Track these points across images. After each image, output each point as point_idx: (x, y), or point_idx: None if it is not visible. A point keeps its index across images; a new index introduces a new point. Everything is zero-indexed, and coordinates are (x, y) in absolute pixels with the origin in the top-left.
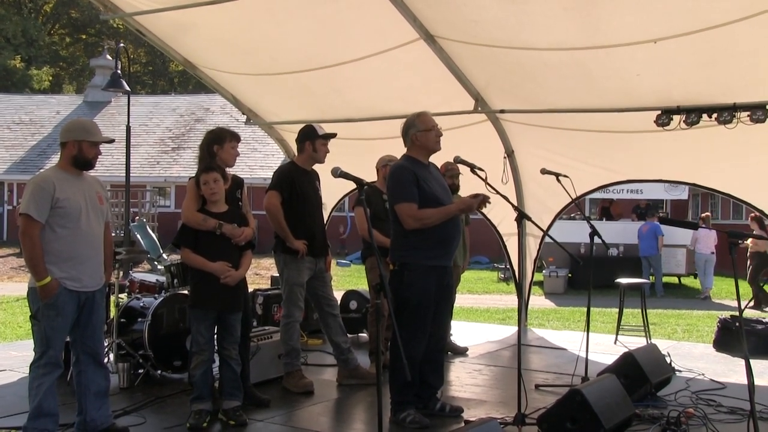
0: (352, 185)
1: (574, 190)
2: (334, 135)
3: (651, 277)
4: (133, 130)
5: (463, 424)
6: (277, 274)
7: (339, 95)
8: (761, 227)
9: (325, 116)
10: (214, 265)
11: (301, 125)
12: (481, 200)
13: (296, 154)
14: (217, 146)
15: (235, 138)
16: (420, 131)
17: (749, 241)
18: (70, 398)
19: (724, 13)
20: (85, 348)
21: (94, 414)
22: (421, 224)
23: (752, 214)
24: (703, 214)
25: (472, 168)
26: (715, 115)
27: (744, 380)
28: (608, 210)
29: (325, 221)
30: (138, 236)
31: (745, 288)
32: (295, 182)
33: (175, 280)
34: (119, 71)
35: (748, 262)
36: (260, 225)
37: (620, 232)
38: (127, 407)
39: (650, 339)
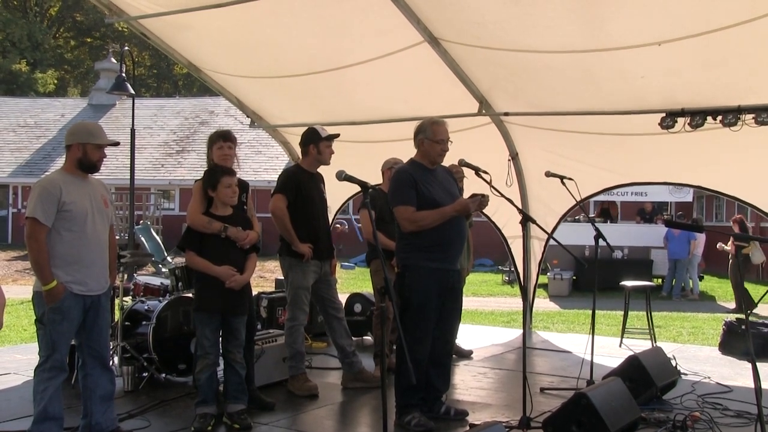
0: (356, 188)
1: (578, 193)
2: (337, 135)
3: (656, 280)
4: (138, 133)
5: (468, 428)
6: (282, 277)
7: (343, 98)
8: (742, 229)
9: (329, 119)
10: (219, 269)
11: (305, 128)
12: (479, 201)
13: (300, 157)
14: (209, 149)
15: (222, 138)
16: (428, 139)
17: (729, 244)
18: (74, 401)
19: (729, 16)
20: (91, 351)
21: (99, 417)
22: (417, 226)
23: (734, 217)
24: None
25: (477, 171)
26: (719, 118)
27: (750, 383)
28: (608, 211)
29: (330, 224)
30: (142, 239)
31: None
32: (301, 185)
33: (180, 283)
34: (124, 74)
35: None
36: (265, 228)
37: (624, 235)
38: (132, 410)
39: (655, 342)
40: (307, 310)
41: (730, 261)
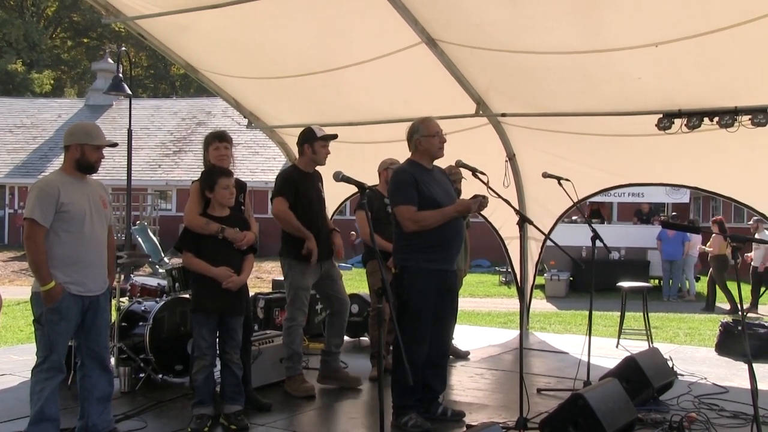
0: (353, 189)
1: (575, 194)
2: (334, 136)
3: (653, 281)
4: (135, 134)
5: (464, 429)
6: (279, 278)
7: (341, 99)
8: (722, 230)
9: (326, 120)
10: (216, 270)
11: (303, 128)
12: (480, 202)
13: (297, 157)
14: (205, 150)
15: (218, 138)
16: (424, 136)
17: (708, 244)
18: (71, 402)
19: (726, 17)
20: (90, 352)
21: (96, 419)
22: (419, 226)
23: (714, 218)
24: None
25: (474, 172)
26: (716, 119)
27: (747, 384)
28: (599, 212)
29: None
30: (139, 240)
31: (745, 292)
32: (299, 186)
33: (176, 284)
34: (121, 75)
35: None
36: (262, 229)
37: (621, 236)
38: (128, 411)
39: (652, 343)
40: (306, 311)
41: (713, 262)
